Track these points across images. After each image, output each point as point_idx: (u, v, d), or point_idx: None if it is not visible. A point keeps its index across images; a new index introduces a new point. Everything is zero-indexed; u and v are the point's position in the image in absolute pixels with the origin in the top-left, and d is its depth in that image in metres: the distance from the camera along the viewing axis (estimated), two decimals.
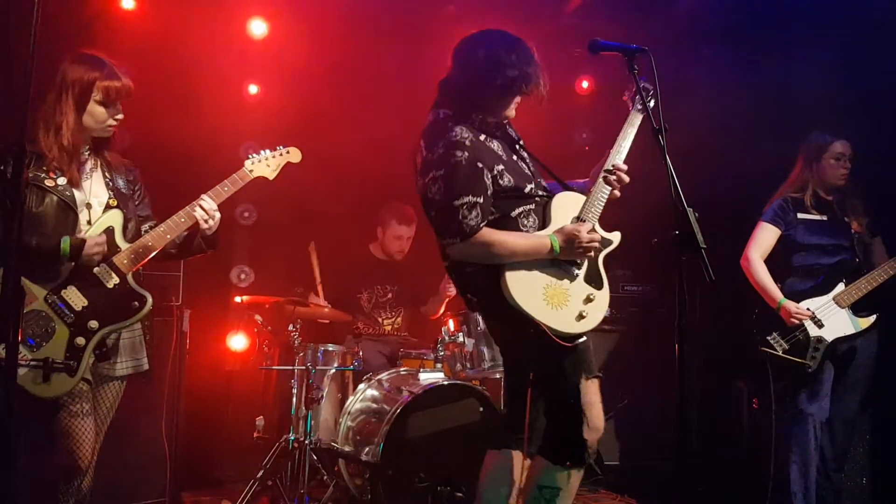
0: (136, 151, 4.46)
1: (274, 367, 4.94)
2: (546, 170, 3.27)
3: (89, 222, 3.01)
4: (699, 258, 2.46)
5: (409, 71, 5.82)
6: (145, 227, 3.20)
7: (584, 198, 3.12)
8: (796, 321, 4.15)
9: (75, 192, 3.00)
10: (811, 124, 4.57)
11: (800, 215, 4.35)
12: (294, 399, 4.67)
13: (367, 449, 4.28)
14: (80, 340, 2.92)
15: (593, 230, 3.04)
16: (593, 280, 3.07)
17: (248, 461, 5.05)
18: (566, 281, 3.01)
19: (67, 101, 2.96)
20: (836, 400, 4.22)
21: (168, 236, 3.10)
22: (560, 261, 3.00)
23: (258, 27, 5.77)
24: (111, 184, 3.11)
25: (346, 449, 4.45)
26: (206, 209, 3.15)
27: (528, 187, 3.05)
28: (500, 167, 2.99)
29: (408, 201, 5.61)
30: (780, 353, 4.17)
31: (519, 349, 3.13)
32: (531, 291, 2.93)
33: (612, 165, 3.12)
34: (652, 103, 3.15)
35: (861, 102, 4.72)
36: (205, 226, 3.16)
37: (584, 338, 3.00)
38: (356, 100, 5.75)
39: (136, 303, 3.05)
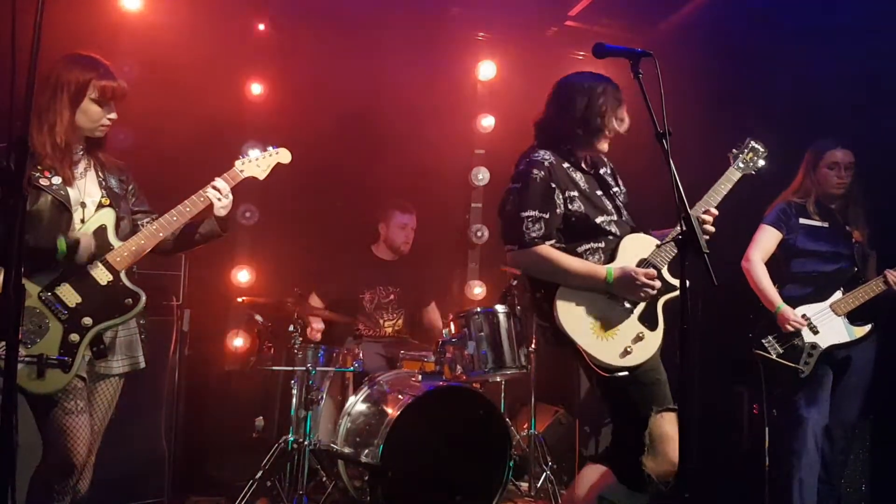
0: (138, 150, 4.50)
1: (274, 368, 4.93)
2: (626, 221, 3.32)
3: (83, 221, 3.03)
4: (702, 262, 2.46)
5: (412, 71, 5.83)
6: (145, 220, 3.24)
7: (655, 243, 3.21)
8: (791, 328, 4.15)
9: (69, 191, 3.02)
10: (815, 130, 4.58)
11: (802, 220, 4.34)
12: (294, 400, 4.67)
13: (366, 451, 4.27)
14: (74, 337, 2.94)
15: (657, 276, 3.08)
16: (648, 320, 3.12)
17: (247, 462, 5.03)
18: (618, 317, 3.09)
19: (62, 100, 2.98)
20: (835, 406, 4.22)
21: (160, 234, 3.14)
22: (616, 297, 3.09)
23: (262, 27, 5.77)
24: (104, 183, 3.14)
25: (346, 450, 4.45)
26: (220, 188, 3.23)
27: (601, 219, 3.18)
28: (574, 193, 3.15)
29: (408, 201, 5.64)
30: (774, 357, 4.18)
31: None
32: (580, 317, 3.06)
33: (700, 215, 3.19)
34: (762, 163, 3.44)
35: (866, 110, 4.71)
36: (219, 204, 3.23)
37: (626, 372, 3.03)
38: (359, 100, 5.75)
39: (130, 300, 3.07)
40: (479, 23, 6.21)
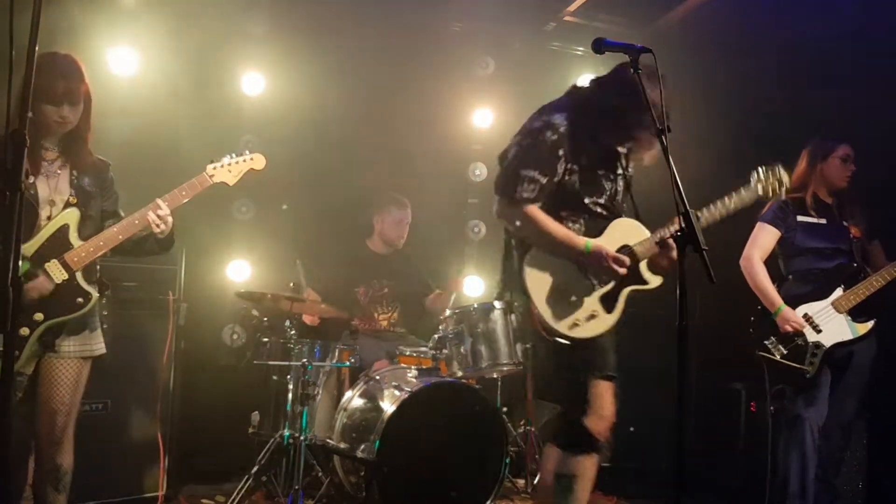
0: (130, 145, 4.49)
1: (270, 363, 4.93)
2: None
3: (49, 218, 3.10)
4: (700, 259, 2.46)
5: (410, 66, 5.83)
6: (109, 222, 3.27)
7: (645, 234, 3.22)
8: (790, 329, 4.14)
9: (39, 188, 3.09)
10: (810, 126, 4.58)
11: (800, 218, 4.33)
12: (290, 395, 4.66)
13: (362, 446, 4.27)
14: (25, 331, 3.01)
15: (630, 267, 3.11)
16: (607, 303, 3.16)
17: (242, 456, 5.03)
18: (580, 290, 3.13)
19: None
20: (832, 405, 4.22)
21: (120, 237, 3.18)
22: (584, 270, 3.13)
23: (259, 24, 5.74)
24: (76, 182, 3.19)
25: (342, 445, 4.44)
26: (161, 215, 3.22)
27: (590, 199, 3.19)
28: (576, 167, 3.14)
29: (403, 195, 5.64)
30: (778, 358, 4.17)
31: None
32: (544, 279, 3.11)
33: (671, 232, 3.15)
34: (781, 194, 3.40)
35: (862, 106, 4.72)
36: (157, 230, 3.24)
37: (567, 342, 3.09)
38: (356, 95, 5.74)
39: (81, 299, 3.15)
40: (477, 17, 6.19)
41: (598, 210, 3.21)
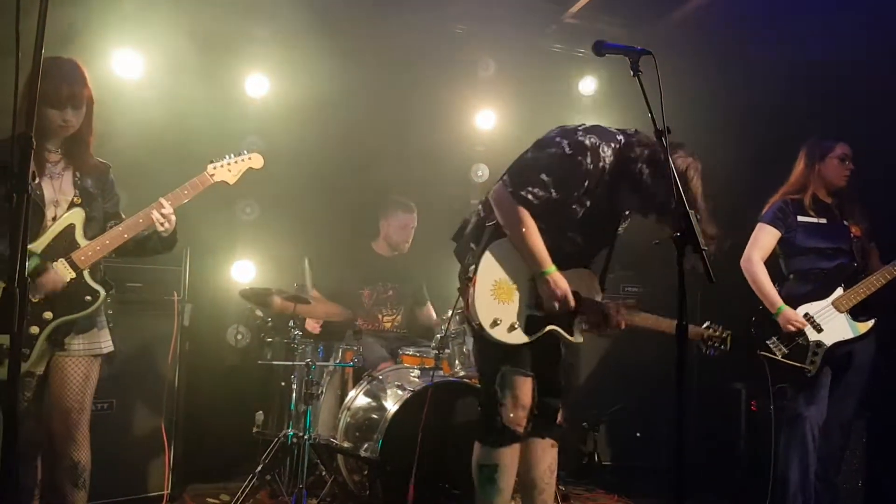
0: (134, 147, 4.51)
1: (274, 362, 4.95)
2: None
3: (54, 218, 3.14)
4: (700, 259, 2.48)
5: (413, 68, 5.85)
6: (111, 223, 3.30)
7: (598, 298, 3.33)
8: (793, 329, 4.15)
9: (45, 189, 3.11)
10: (809, 127, 4.59)
11: (800, 218, 4.33)
12: (294, 394, 4.68)
13: (365, 445, 4.30)
14: (34, 329, 3.04)
15: (572, 307, 3.21)
16: (530, 326, 3.25)
17: (247, 456, 5.06)
18: (521, 303, 3.23)
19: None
20: (833, 403, 4.23)
21: (126, 235, 3.22)
22: (532, 289, 3.22)
23: (263, 26, 5.77)
24: (79, 183, 3.22)
25: (345, 445, 4.47)
26: (164, 214, 3.26)
27: (573, 234, 3.27)
28: (587, 202, 3.17)
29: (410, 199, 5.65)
30: (780, 358, 4.18)
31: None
32: (496, 269, 3.19)
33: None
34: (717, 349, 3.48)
35: (860, 106, 4.73)
36: (160, 229, 3.28)
37: (478, 327, 3.18)
38: (360, 97, 5.76)
39: (89, 297, 3.18)
40: (479, 19, 6.22)
41: (569, 249, 3.28)
